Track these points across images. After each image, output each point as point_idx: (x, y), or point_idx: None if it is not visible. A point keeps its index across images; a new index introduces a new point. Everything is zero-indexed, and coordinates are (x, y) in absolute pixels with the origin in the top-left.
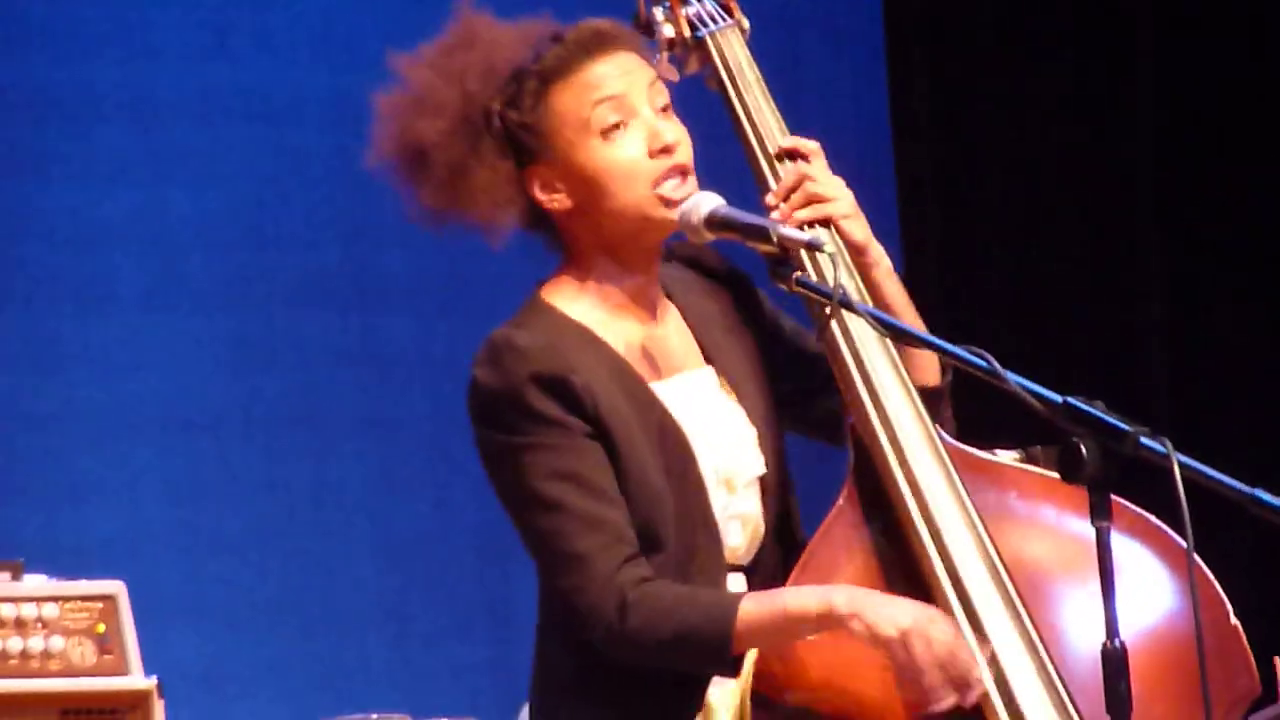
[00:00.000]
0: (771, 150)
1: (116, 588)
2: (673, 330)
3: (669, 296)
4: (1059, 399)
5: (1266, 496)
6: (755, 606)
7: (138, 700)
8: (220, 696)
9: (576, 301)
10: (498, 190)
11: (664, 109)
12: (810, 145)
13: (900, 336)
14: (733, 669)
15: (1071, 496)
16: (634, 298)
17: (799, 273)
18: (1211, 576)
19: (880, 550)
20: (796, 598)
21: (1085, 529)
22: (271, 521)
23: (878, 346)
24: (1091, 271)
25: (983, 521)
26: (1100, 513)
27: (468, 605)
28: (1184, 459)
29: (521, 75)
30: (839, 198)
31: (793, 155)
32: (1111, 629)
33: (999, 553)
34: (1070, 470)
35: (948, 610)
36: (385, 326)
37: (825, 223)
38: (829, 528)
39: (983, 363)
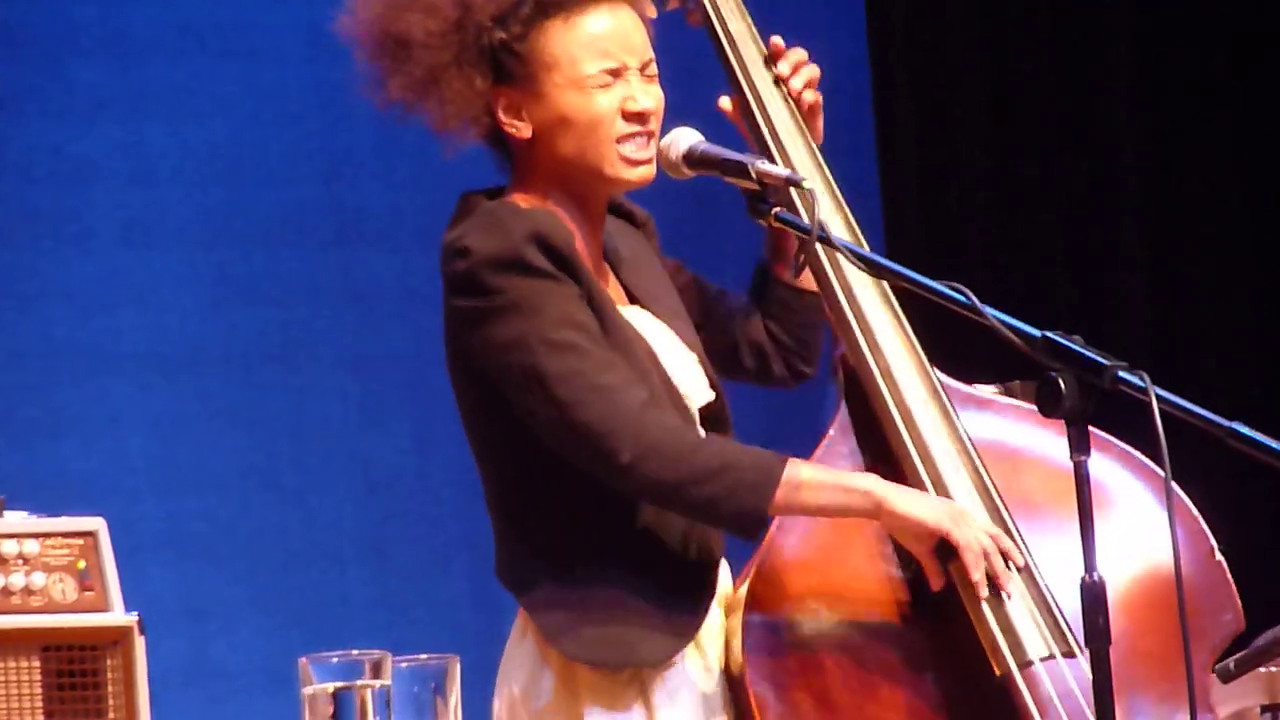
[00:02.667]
0: (757, 81)
1: (97, 524)
2: (608, 274)
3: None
4: (1037, 333)
5: (1245, 429)
6: (799, 465)
7: (119, 636)
8: (201, 632)
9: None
10: (467, 103)
11: (649, 72)
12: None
13: (878, 270)
14: (761, 517)
15: (1057, 428)
16: (582, 240)
17: (778, 208)
18: (1196, 512)
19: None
20: (836, 473)
21: (1070, 461)
22: (251, 457)
23: (865, 278)
24: (1070, 209)
25: (977, 452)
26: (1079, 447)
27: (448, 541)
28: (1162, 393)
29: None
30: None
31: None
32: (1090, 562)
33: (991, 480)
34: (1048, 405)
35: None
36: (365, 262)
37: (814, 111)
38: (820, 457)
39: (962, 298)
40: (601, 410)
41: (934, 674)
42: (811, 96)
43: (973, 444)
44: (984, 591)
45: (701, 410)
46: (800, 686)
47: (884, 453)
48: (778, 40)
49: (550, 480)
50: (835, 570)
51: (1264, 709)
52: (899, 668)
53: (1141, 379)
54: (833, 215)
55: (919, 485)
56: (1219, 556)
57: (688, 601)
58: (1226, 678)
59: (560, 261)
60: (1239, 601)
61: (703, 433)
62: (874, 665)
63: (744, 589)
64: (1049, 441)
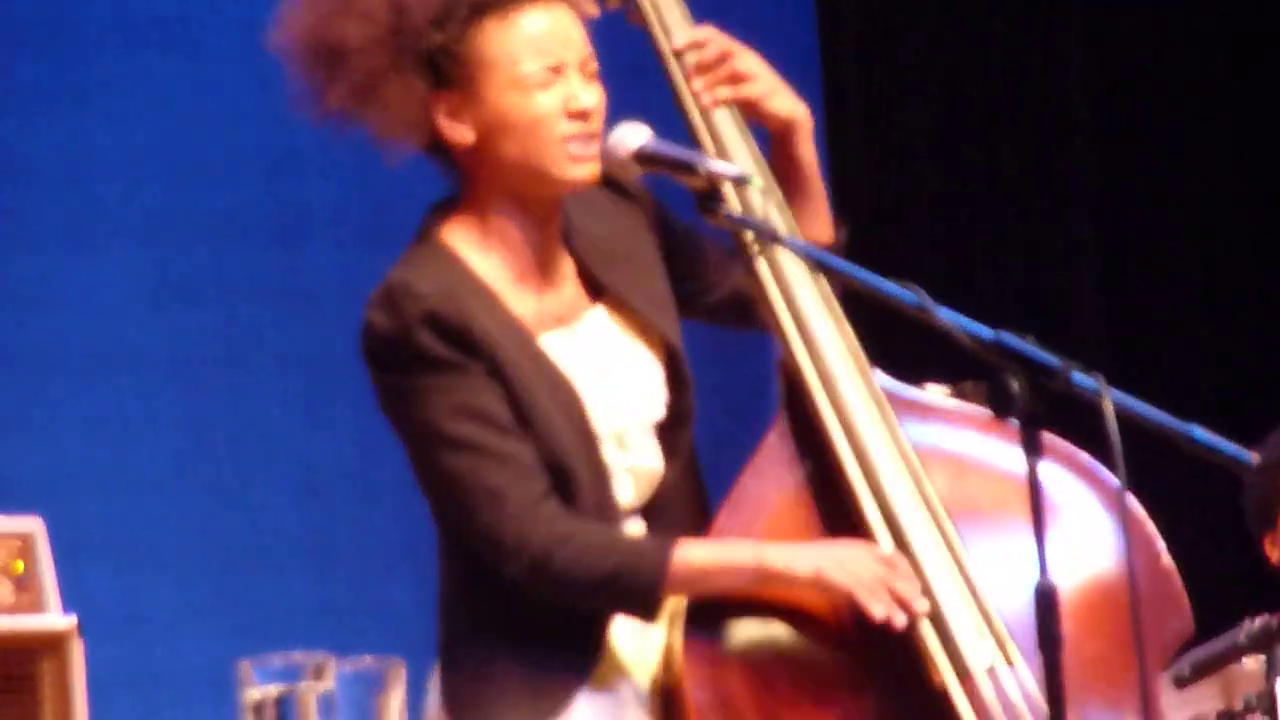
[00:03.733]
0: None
1: (34, 525)
2: (567, 276)
3: (566, 229)
4: (990, 334)
5: (1202, 433)
6: (690, 550)
7: (56, 640)
8: (141, 636)
9: (477, 251)
10: (407, 109)
11: (590, 71)
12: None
13: (831, 270)
14: (654, 614)
15: (1002, 433)
16: (533, 252)
17: (727, 206)
18: (1145, 516)
19: (812, 486)
20: (728, 550)
21: (1016, 466)
22: (192, 459)
23: (806, 281)
24: (1023, 206)
25: (915, 459)
26: (1032, 449)
27: (391, 545)
28: (1117, 395)
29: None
30: (758, 75)
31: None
32: (1043, 565)
33: (931, 489)
34: (1001, 406)
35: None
36: (308, 261)
37: (748, 105)
38: (759, 464)
39: (913, 297)
40: (491, 517)
41: (876, 684)
42: (725, 94)
43: (913, 450)
44: (899, 621)
45: (656, 426)
46: (741, 698)
47: (823, 459)
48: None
49: (450, 543)
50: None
51: (1220, 715)
52: (841, 678)
53: (1096, 381)
54: (777, 215)
55: (855, 493)
56: (1167, 560)
57: (558, 679)
58: (1182, 683)
59: (457, 341)
60: (1188, 606)
61: (644, 461)
62: (815, 676)
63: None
64: (991, 447)
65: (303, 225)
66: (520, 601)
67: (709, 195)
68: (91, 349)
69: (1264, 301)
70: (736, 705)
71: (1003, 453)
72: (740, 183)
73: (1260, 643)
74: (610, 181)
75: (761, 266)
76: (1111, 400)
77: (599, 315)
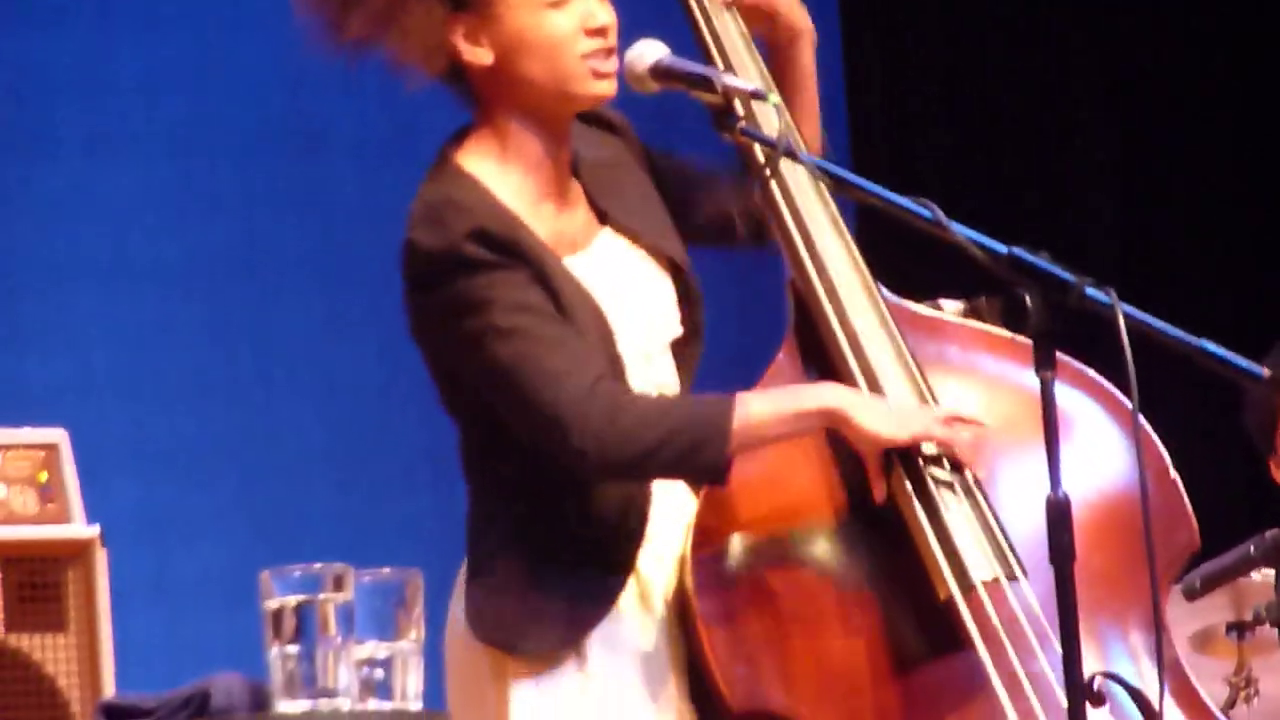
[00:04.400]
0: (709, 7)
1: (59, 436)
2: (579, 201)
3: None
4: (1004, 249)
5: (1213, 347)
6: (751, 402)
7: (80, 549)
8: (163, 546)
9: (496, 175)
10: (426, 34)
11: None
12: None
13: (843, 185)
14: (722, 473)
15: (1013, 350)
16: (550, 174)
17: (743, 122)
18: (1151, 431)
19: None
20: (789, 396)
21: (1025, 383)
22: (214, 370)
23: (816, 199)
24: (1037, 125)
25: (923, 375)
26: (1045, 364)
27: (412, 455)
28: (1129, 310)
29: None
30: None
31: None
32: (1055, 479)
33: (938, 406)
34: (1014, 321)
35: None
36: (330, 174)
37: (769, 14)
38: (768, 384)
39: (927, 213)
40: (551, 396)
41: (882, 599)
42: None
43: (919, 367)
44: (972, 463)
45: (671, 343)
46: (751, 617)
47: (830, 376)
48: None
49: (485, 461)
50: (780, 496)
51: (1229, 626)
52: (848, 594)
53: (1109, 295)
54: (789, 131)
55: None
56: (1174, 475)
57: (585, 600)
58: (1192, 595)
59: (504, 249)
60: (1194, 520)
61: (663, 379)
62: (823, 593)
63: (691, 520)
64: (1001, 363)
65: (324, 137)
66: (559, 503)
67: (724, 111)
68: (115, 260)
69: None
70: (742, 616)
71: (1012, 369)
72: (756, 98)
73: (1271, 556)
74: (593, 117)
75: (773, 184)
76: (1124, 315)
77: (608, 238)
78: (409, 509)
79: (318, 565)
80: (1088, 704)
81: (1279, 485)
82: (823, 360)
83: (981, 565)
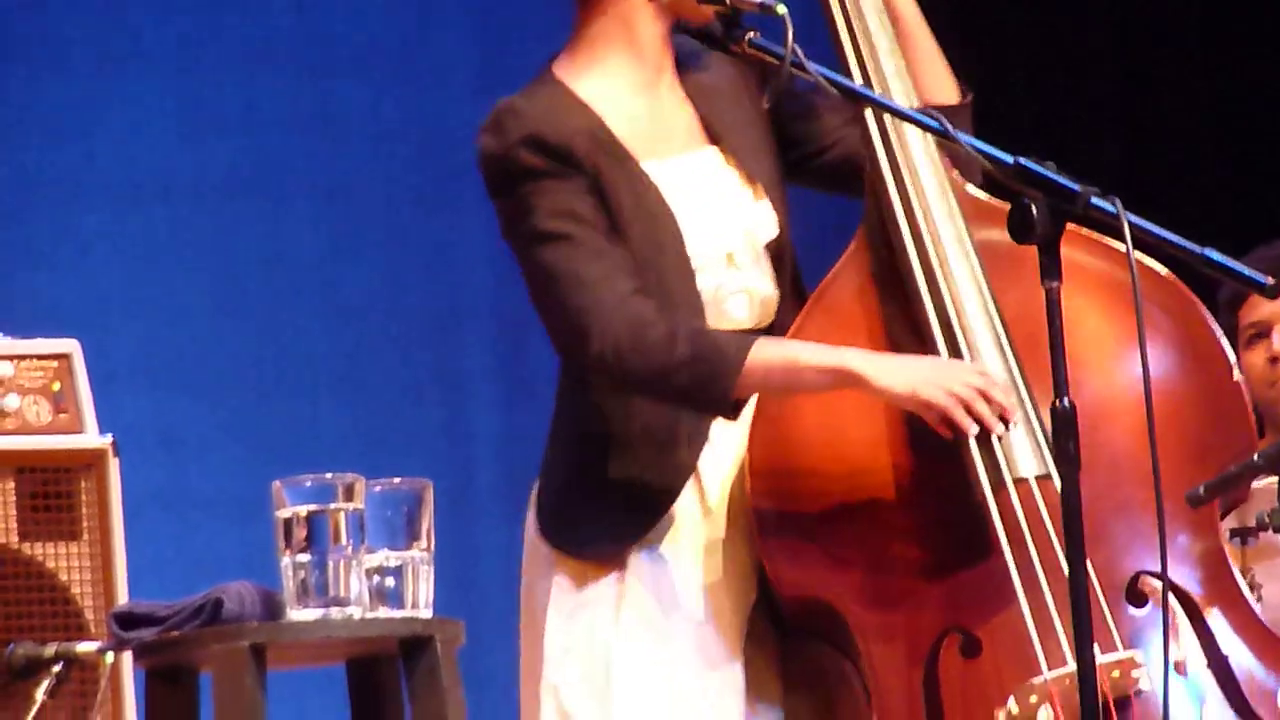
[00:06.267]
0: None
1: (71, 346)
2: (679, 112)
3: (680, 77)
4: (1010, 159)
5: (1217, 255)
6: (770, 347)
7: (93, 459)
8: (175, 458)
9: (584, 78)
10: None
11: None
12: None
13: (854, 97)
14: (733, 409)
15: (1088, 247)
16: (642, 79)
17: (752, 33)
18: (1220, 334)
19: (886, 294)
20: (811, 349)
21: (1116, 277)
22: (224, 286)
23: (920, 143)
24: (1041, 36)
25: (985, 271)
26: (1050, 273)
27: (420, 370)
28: (1134, 218)
29: None
30: None
31: None
32: (1060, 388)
33: (998, 303)
34: (1021, 231)
35: (935, 353)
36: (338, 92)
37: None
38: (839, 271)
39: (936, 124)
40: (580, 301)
41: (926, 503)
42: None
43: (983, 264)
44: (973, 431)
45: (767, 246)
46: (804, 515)
47: (896, 268)
48: None
49: (562, 372)
50: (836, 409)
51: (1234, 532)
52: (896, 497)
53: (1114, 204)
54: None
55: (921, 303)
56: (1238, 378)
57: (639, 504)
58: (1197, 503)
59: (557, 156)
60: (1254, 426)
61: (753, 283)
62: (872, 494)
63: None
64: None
65: (334, 55)
66: (619, 421)
67: (733, 23)
68: (124, 177)
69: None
70: (796, 514)
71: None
72: (765, 10)
73: (1274, 464)
74: (720, 45)
75: (871, 126)
76: (1129, 223)
77: (710, 155)
78: (417, 423)
79: (329, 475)
80: (1127, 603)
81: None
82: (889, 250)
83: (1027, 463)
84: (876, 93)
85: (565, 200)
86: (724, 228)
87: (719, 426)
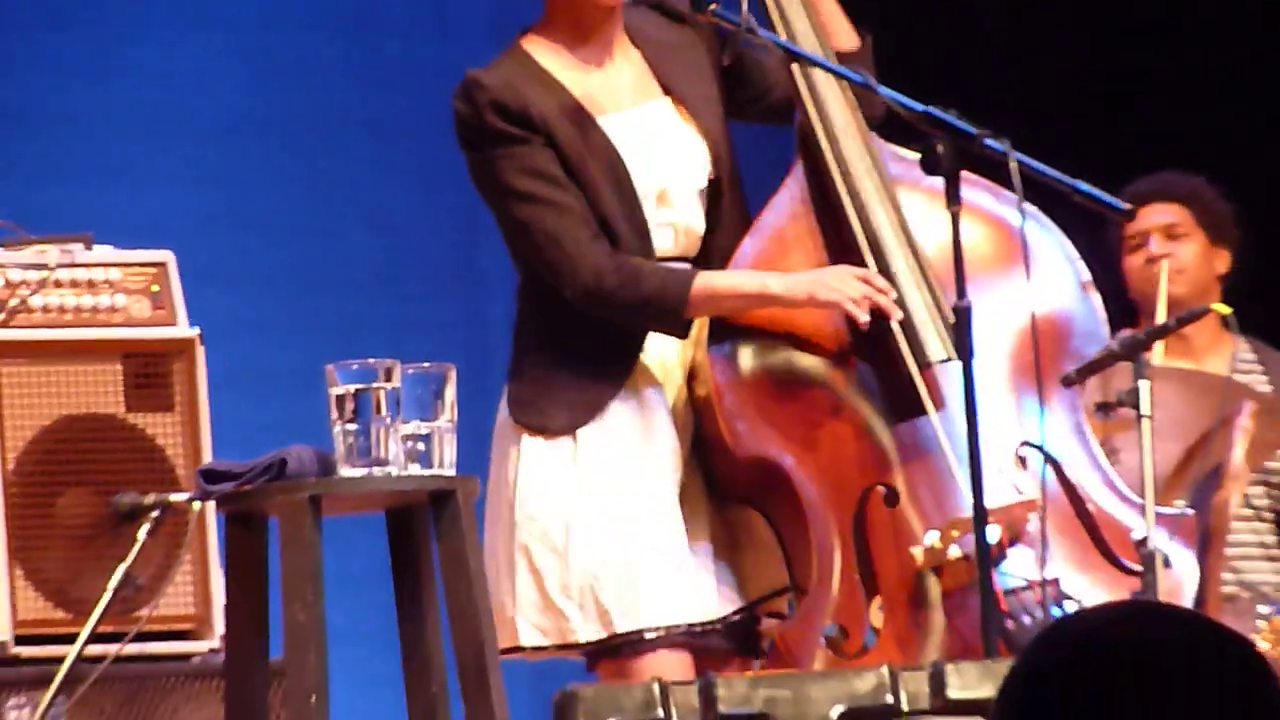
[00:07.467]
0: None
1: (167, 256)
2: (633, 69)
3: (633, 40)
4: (921, 108)
5: (1085, 186)
6: (706, 279)
7: (184, 346)
8: (248, 345)
9: (546, 49)
10: None
11: None
12: None
13: (798, 59)
14: (681, 328)
15: (985, 184)
16: (595, 48)
17: (714, 5)
18: (1074, 251)
19: (816, 217)
20: (737, 278)
21: (997, 211)
22: (286, 206)
23: (833, 88)
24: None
25: (891, 195)
26: (953, 198)
27: (447, 271)
28: (1020, 156)
29: None
30: None
31: None
32: (961, 289)
33: (902, 218)
34: (929, 165)
35: (863, 263)
36: (384, 47)
37: None
38: (778, 199)
39: (860, 79)
40: (551, 254)
41: (860, 376)
42: None
43: (889, 188)
44: (863, 318)
45: (700, 191)
46: (754, 385)
47: (826, 196)
48: None
49: (525, 286)
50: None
51: (1098, 405)
52: (835, 371)
53: (1003, 144)
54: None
55: (847, 220)
56: (1090, 291)
57: (599, 384)
58: (1069, 383)
59: (517, 120)
60: (1108, 330)
61: (687, 220)
62: (814, 368)
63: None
64: (973, 192)
65: (377, 17)
66: (572, 325)
67: None
68: (204, 116)
69: (1150, 80)
70: (747, 384)
71: (980, 196)
72: None
73: (1129, 350)
74: (668, 10)
75: (798, 76)
76: (1016, 160)
77: (661, 105)
78: (442, 316)
79: (371, 360)
80: (1014, 465)
81: (1132, 300)
82: (820, 182)
83: (935, 346)
84: (799, 44)
85: (528, 161)
86: (660, 170)
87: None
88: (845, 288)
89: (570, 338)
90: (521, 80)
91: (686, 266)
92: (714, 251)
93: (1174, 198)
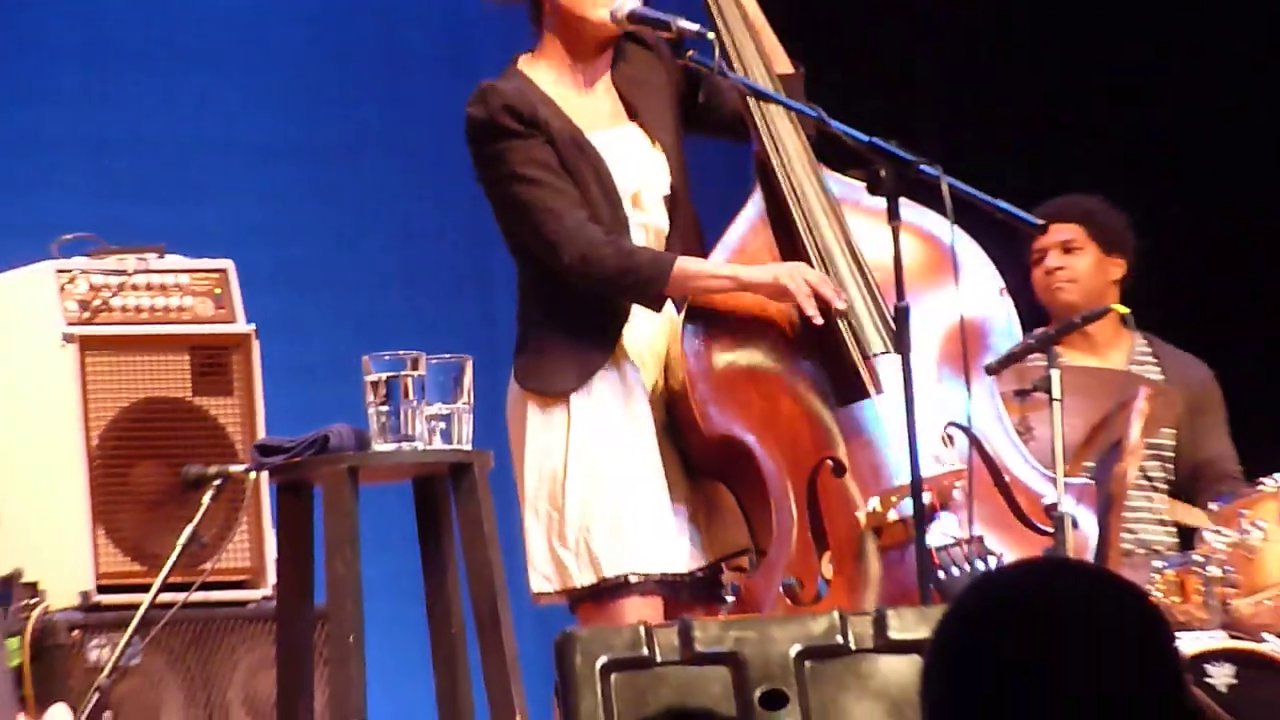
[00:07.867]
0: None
1: (227, 264)
2: (609, 99)
3: (612, 68)
4: (866, 138)
5: (1005, 205)
6: (684, 264)
7: (242, 340)
8: (296, 340)
9: (541, 72)
10: None
11: None
12: None
13: (760, 95)
14: (658, 304)
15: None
16: (580, 76)
17: (691, 52)
18: (987, 261)
19: (775, 231)
20: (714, 265)
21: (925, 225)
22: (326, 219)
23: (783, 115)
24: (878, 41)
25: (837, 213)
26: (894, 215)
27: (462, 273)
28: (950, 180)
29: None
30: None
31: None
32: (900, 293)
33: (847, 233)
34: (874, 188)
35: (815, 266)
36: (405, 82)
37: None
38: (740, 218)
39: (813, 113)
40: (551, 229)
41: (813, 366)
42: None
43: (834, 206)
44: (817, 318)
45: (664, 198)
46: (723, 369)
47: (781, 214)
48: None
49: (525, 268)
50: (751, 299)
51: (1016, 392)
52: (792, 362)
53: (936, 169)
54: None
55: (800, 233)
56: (1005, 296)
57: (589, 355)
58: (991, 371)
59: (526, 122)
60: (1021, 328)
61: (655, 221)
62: (775, 358)
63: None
64: (913, 214)
65: (405, 19)
66: (568, 302)
67: (678, 43)
68: (257, 141)
69: (1074, 106)
70: (717, 368)
71: (915, 214)
72: (699, 35)
73: (1043, 344)
74: (642, 43)
75: (741, 86)
76: (947, 183)
77: (631, 129)
78: (459, 313)
79: (401, 351)
80: (942, 442)
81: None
82: (777, 204)
83: (875, 340)
84: (752, 77)
85: (533, 153)
86: (634, 178)
87: (639, 311)
88: (800, 281)
89: (565, 312)
90: (529, 92)
91: (659, 251)
92: (673, 250)
93: (1070, 218)
